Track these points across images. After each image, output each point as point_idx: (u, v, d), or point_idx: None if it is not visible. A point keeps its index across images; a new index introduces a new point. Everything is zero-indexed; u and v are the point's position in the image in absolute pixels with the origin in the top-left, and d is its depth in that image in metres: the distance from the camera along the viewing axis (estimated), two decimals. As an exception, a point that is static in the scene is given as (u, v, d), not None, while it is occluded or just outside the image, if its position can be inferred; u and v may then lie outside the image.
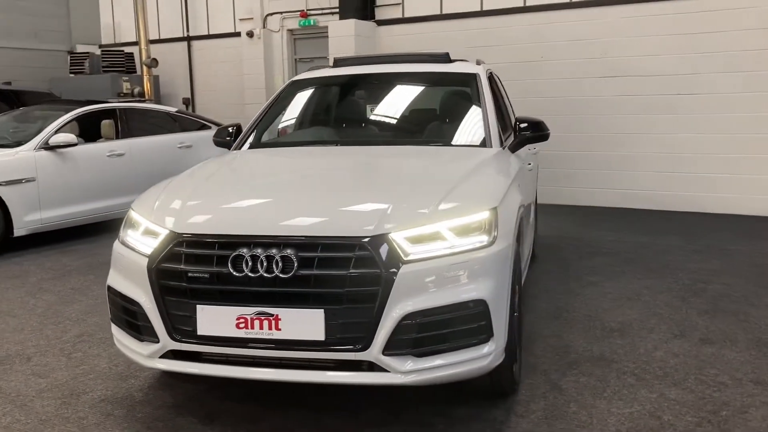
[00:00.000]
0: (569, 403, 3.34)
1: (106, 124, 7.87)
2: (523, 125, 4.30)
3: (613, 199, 9.28)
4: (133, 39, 13.17)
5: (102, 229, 7.78)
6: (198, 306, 2.84)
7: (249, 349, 2.83)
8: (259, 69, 12.07)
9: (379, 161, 3.98)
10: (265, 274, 2.76)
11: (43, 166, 7.11)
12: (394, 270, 2.73)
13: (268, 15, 12.09)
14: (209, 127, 9.01)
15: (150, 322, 2.95)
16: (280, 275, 2.75)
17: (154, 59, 12.48)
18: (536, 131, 4.28)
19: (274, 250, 2.77)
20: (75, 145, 7.40)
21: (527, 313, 4.70)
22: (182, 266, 2.88)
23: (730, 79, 8.42)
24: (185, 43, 13.31)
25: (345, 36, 10.40)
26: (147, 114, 8.74)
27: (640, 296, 5.13)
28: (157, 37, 13.35)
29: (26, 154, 7.05)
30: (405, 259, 2.76)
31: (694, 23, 8.54)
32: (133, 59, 13.27)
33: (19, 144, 7.17)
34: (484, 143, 4.10)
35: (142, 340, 3.05)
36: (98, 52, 13.48)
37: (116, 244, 3.27)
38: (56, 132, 7.32)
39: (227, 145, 4.56)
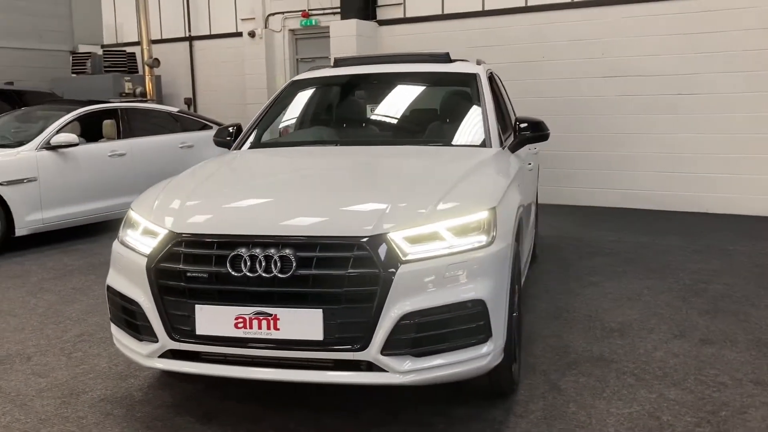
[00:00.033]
0: (568, 403, 3.33)
1: (107, 124, 7.88)
2: (523, 125, 4.29)
3: (613, 199, 9.28)
4: (135, 39, 13.19)
5: (103, 229, 7.79)
6: (197, 306, 2.85)
7: (247, 349, 2.83)
8: (260, 69, 12.08)
9: (379, 161, 3.98)
10: (264, 274, 2.76)
11: (44, 166, 7.12)
12: (392, 270, 2.73)
13: (269, 15, 12.11)
14: (211, 127, 9.01)
15: (149, 321, 2.95)
16: (279, 275, 2.75)
17: (156, 59, 12.49)
18: (536, 131, 4.28)
19: (272, 250, 2.77)
20: (76, 145, 7.42)
21: (527, 313, 4.70)
22: (181, 266, 2.88)
23: (731, 79, 8.41)
24: (187, 43, 13.33)
25: (346, 36, 10.41)
26: (148, 114, 8.76)
27: (641, 296, 5.12)
28: (159, 37, 13.37)
29: (28, 154, 7.07)
30: (403, 259, 2.76)
31: (694, 23, 8.54)
32: (135, 59, 13.29)
33: (20, 144, 7.19)
34: (484, 143, 4.10)
35: (141, 340, 3.05)
36: (100, 52, 13.52)
37: (115, 244, 3.28)
38: (58, 132, 7.33)
39: (227, 145, 4.56)
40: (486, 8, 9.91)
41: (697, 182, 8.76)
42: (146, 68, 12.50)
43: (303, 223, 2.91)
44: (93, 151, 7.70)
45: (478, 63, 4.99)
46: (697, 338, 4.22)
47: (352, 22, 10.39)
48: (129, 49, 13.47)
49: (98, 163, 7.69)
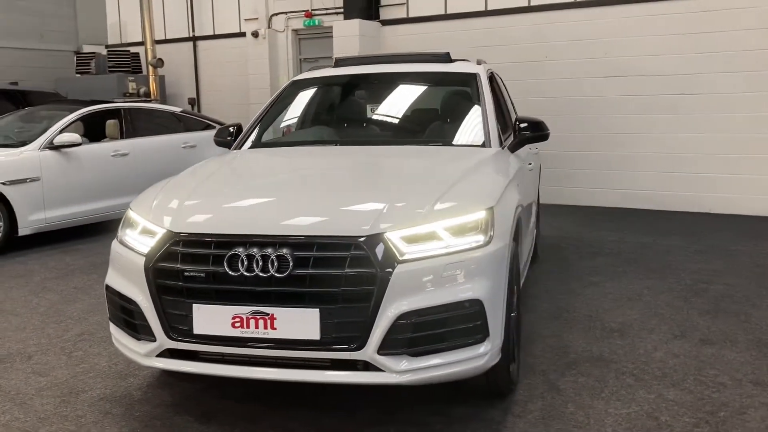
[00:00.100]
0: (567, 403, 3.33)
1: (110, 124, 7.91)
2: (522, 125, 4.29)
3: (614, 199, 9.27)
4: (139, 39, 13.22)
5: (106, 229, 7.80)
6: (194, 305, 2.85)
7: (245, 349, 2.83)
8: (264, 69, 12.10)
9: (377, 161, 3.98)
10: (261, 274, 2.77)
11: (47, 165, 7.15)
12: (389, 269, 2.73)
13: (273, 15, 12.13)
14: (213, 127, 9.01)
15: (147, 321, 2.96)
16: (276, 274, 2.76)
17: (160, 59, 12.52)
18: (536, 131, 4.27)
19: (269, 250, 2.78)
20: (79, 144, 7.44)
21: (528, 313, 4.69)
22: (179, 265, 2.89)
23: (731, 79, 8.39)
24: (191, 43, 13.36)
25: (349, 36, 10.41)
26: (151, 114, 8.78)
27: (642, 296, 5.11)
28: (163, 38, 13.40)
29: (31, 153, 7.09)
30: (400, 258, 2.77)
31: (695, 23, 8.52)
32: (139, 59, 13.33)
33: (23, 144, 7.21)
34: (484, 143, 4.09)
35: (139, 339, 3.06)
36: (104, 52, 13.55)
37: (114, 244, 3.29)
38: (61, 132, 7.36)
39: (228, 145, 4.57)
40: (489, 8, 9.90)
41: (698, 182, 8.75)
42: (150, 68, 12.53)
43: (300, 223, 2.92)
44: (96, 151, 7.73)
45: (479, 63, 4.99)
46: (697, 338, 4.21)
47: (355, 22, 10.40)
48: (133, 50, 13.50)
49: (101, 163, 7.71)
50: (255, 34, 12.09)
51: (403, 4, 10.66)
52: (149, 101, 11.90)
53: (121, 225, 3.33)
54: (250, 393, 3.47)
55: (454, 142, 4.26)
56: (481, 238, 2.91)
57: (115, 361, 3.95)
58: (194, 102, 12.97)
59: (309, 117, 5.00)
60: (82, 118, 7.83)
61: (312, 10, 11.65)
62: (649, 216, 8.60)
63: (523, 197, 3.85)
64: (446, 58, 4.95)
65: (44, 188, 7.10)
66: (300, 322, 2.76)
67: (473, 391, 3.41)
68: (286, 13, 11.97)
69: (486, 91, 4.45)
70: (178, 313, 2.89)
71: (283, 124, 4.97)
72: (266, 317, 2.77)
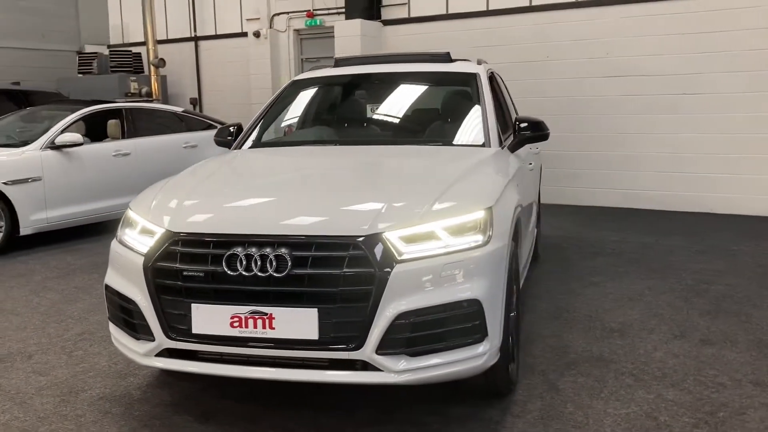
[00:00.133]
0: (566, 403, 3.33)
1: (112, 124, 7.92)
2: (522, 125, 4.29)
3: (615, 199, 9.26)
4: (141, 39, 13.23)
5: (107, 229, 7.80)
6: (193, 305, 2.86)
7: (243, 348, 2.84)
8: (265, 69, 12.10)
9: (377, 161, 3.98)
10: (259, 273, 2.77)
11: (49, 165, 7.16)
12: (387, 269, 2.73)
13: (274, 15, 12.13)
14: (215, 127, 9.02)
15: (146, 320, 2.97)
16: (274, 274, 2.76)
17: (162, 59, 12.54)
18: (536, 131, 4.27)
19: (268, 249, 2.78)
20: (81, 144, 7.45)
21: (528, 313, 4.69)
22: (177, 265, 2.89)
23: (732, 79, 8.38)
24: (192, 43, 13.37)
25: (351, 36, 10.42)
26: (153, 114, 8.79)
27: (642, 297, 5.11)
28: (165, 38, 13.42)
29: (32, 153, 7.10)
30: (399, 258, 2.77)
31: (696, 23, 8.51)
32: (141, 59, 13.34)
33: (25, 143, 7.23)
34: (483, 143, 4.09)
35: (138, 339, 3.07)
36: (106, 52, 13.56)
37: (114, 243, 3.30)
38: (62, 132, 7.37)
39: (228, 145, 4.57)
40: (490, 8, 9.90)
41: (699, 182, 8.74)
42: (152, 68, 12.54)
43: (299, 223, 2.92)
44: (97, 151, 7.74)
45: (479, 63, 4.99)
46: (697, 339, 4.20)
47: (357, 22, 10.40)
48: (135, 50, 13.52)
49: (102, 163, 7.73)
50: (257, 34, 12.10)
51: (405, 4, 10.65)
52: (151, 101, 11.91)
53: (120, 225, 3.33)
54: (250, 392, 3.47)
55: (453, 142, 4.25)
56: (479, 238, 2.91)
57: (115, 361, 3.96)
58: (196, 102, 12.99)
59: (309, 117, 5.00)
60: (84, 118, 7.84)
61: (313, 10, 11.65)
62: (650, 216, 8.59)
63: (522, 197, 3.85)
64: (446, 58, 4.95)
65: (46, 188, 7.11)
66: (298, 322, 2.76)
67: (472, 390, 3.41)
68: (287, 13, 11.97)
69: (486, 91, 4.44)
70: (177, 312, 2.90)
71: (283, 124, 4.97)
72: (264, 317, 2.77)
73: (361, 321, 2.73)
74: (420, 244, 2.83)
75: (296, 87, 5.01)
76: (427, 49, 9.04)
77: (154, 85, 12.53)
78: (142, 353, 3.04)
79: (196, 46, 13.34)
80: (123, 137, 8.05)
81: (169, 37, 13.51)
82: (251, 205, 3.21)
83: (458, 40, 9.94)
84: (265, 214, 3.05)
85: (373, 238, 2.78)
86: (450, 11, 10.26)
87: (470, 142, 4.18)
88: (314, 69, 5.39)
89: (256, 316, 2.78)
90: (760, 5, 8.13)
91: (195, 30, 13.34)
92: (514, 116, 5.28)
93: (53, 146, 7.24)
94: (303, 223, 2.93)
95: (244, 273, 2.78)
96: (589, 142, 9.34)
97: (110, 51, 13.48)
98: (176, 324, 2.91)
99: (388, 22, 10.80)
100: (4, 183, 6.77)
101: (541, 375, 3.67)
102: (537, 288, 5.36)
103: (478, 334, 2.87)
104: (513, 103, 5.93)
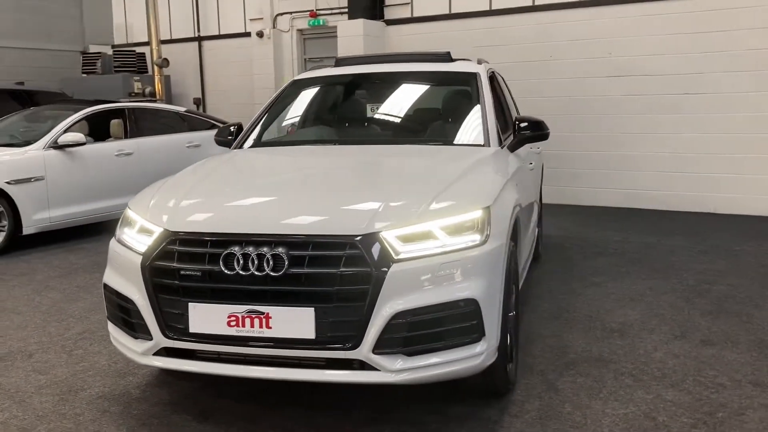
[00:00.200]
0: (564, 403, 3.32)
1: (114, 124, 7.94)
2: (522, 125, 4.28)
3: (618, 199, 9.24)
4: (145, 39, 13.27)
5: (109, 228, 7.81)
6: (190, 304, 2.86)
7: (240, 347, 2.84)
8: (268, 69, 12.12)
9: (376, 160, 3.98)
10: (256, 273, 2.77)
11: (52, 165, 7.18)
12: (384, 269, 2.73)
13: (278, 15, 12.14)
14: (218, 127, 9.04)
15: (143, 319, 2.97)
16: (271, 273, 2.76)
17: (165, 59, 12.57)
18: (536, 130, 4.26)
19: (265, 249, 2.78)
20: (83, 144, 7.47)
21: (528, 313, 4.68)
22: (175, 264, 2.90)
23: (735, 79, 8.35)
24: (196, 43, 13.40)
25: (354, 36, 10.42)
26: (156, 114, 8.82)
27: (644, 297, 5.09)
28: (169, 37, 13.46)
29: (35, 153, 7.13)
30: (396, 257, 2.76)
31: (698, 22, 8.48)
32: (145, 59, 13.39)
33: (28, 143, 7.25)
34: (483, 142, 4.09)
35: (136, 338, 3.07)
36: (110, 52, 13.61)
37: (112, 242, 3.30)
38: (65, 131, 7.39)
39: (229, 144, 4.58)
40: (493, 8, 9.89)
41: (702, 182, 8.71)
42: (155, 68, 12.58)
43: (296, 222, 2.92)
44: (100, 151, 7.76)
45: (479, 62, 4.98)
46: (697, 339, 4.19)
47: (360, 22, 10.40)
48: (139, 50, 13.56)
49: (105, 163, 7.75)
50: (260, 34, 12.11)
51: (408, 3, 10.65)
52: (154, 101, 11.94)
53: (119, 224, 3.34)
54: (248, 392, 3.47)
55: (453, 142, 4.25)
56: (477, 238, 2.91)
57: (114, 360, 3.97)
58: (199, 102, 13.02)
59: (309, 116, 5.00)
60: (87, 118, 7.87)
61: (316, 10, 11.66)
62: (653, 216, 8.57)
63: (522, 197, 3.84)
64: (447, 57, 4.94)
65: (48, 187, 7.13)
66: (295, 321, 2.76)
67: (470, 390, 3.41)
68: (290, 13, 11.98)
69: (486, 90, 4.44)
70: (175, 311, 2.90)
71: (284, 124, 4.98)
72: (261, 316, 2.77)
73: (358, 320, 2.73)
74: (417, 243, 2.83)
75: (296, 87, 5.01)
76: (429, 49, 9.04)
77: (158, 85, 12.57)
78: (140, 352, 3.04)
79: (200, 46, 13.37)
80: (126, 137, 8.07)
81: (173, 37, 13.54)
82: (249, 204, 3.21)
83: (461, 40, 9.93)
84: (262, 214, 3.05)
85: (370, 238, 2.78)
86: (453, 11, 10.25)
87: (470, 141, 4.18)
88: (315, 68, 5.38)
89: (253, 316, 2.78)
90: (764, 4, 8.10)
91: (198, 30, 13.37)
92: (515, 116, 5.27)
93: (56, 146, 7.26)
94: (300, 222, 2.92)
95: (241, 272, 2.78)
96: (591, 141, 9.33)
97: (114, 51, 13.53)
98: (174, 323, 2.91)
99: (390, 22, 10.80)
100: (7, 182, 6.79)
101: (540, 375, 3.66)
102: (538, 288, 5.35)
103: (476, 333, 2.86)
104: (515, 103, 5.92)
